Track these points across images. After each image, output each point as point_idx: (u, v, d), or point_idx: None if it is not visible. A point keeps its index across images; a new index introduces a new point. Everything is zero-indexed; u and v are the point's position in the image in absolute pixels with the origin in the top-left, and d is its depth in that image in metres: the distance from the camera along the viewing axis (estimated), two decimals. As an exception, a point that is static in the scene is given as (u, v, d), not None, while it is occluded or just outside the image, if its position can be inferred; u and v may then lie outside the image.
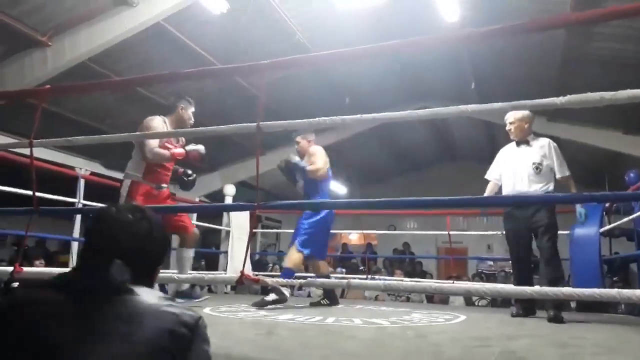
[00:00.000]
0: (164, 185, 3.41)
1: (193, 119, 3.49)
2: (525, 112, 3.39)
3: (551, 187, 3.34)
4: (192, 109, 3.51)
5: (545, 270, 3.24)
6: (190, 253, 3.50)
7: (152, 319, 0.86)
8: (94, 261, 0.94)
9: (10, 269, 2.27)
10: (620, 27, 4.63)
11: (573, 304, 5.00)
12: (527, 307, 3.45)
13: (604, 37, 4.96)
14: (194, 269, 6.99)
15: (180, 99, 3.47)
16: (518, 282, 3.40)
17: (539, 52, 5.59)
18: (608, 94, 1.56)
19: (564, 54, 5.37)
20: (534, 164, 3.36)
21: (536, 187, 3.32)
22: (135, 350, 0.81)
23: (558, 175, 3.36)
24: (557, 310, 3.15)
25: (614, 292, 1.54)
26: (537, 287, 1.74)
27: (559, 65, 5.59)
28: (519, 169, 3.42)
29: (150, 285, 0.98)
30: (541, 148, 3.42)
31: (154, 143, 3.19)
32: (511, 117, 3.45)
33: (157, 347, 0.83)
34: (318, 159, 3.78)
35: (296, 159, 3.85)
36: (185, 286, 3.45)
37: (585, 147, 7.09)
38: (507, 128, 3.51)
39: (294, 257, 3.70)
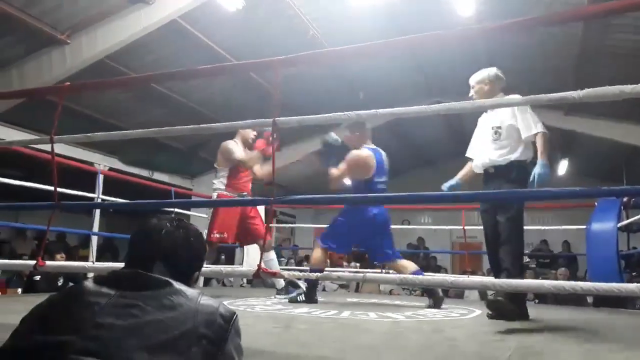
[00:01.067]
0: (245, 192, 3.91)
1: (254, 134, 3.98)
2: (485, 73, 2.95)
3: (517, 154, 2.77)
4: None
5: (499, 255, 2.74)
6: (271, 255, 3.91)
7: (192, 310, 0.94)
8: (138, 262, 1.05)
9: (33, 262, 2.32)
10: (638, 18, 4.55)
11: (590, 299, 4.96)
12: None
13: (622, 29, 4.88)
14: (212, 262, 7.11)
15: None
16: (491, 269, 2.97)
17: (556, 45, 5.52)
18: (628, 87, 1.54)
19: (582, 47, 5.29)
20: (492, 128, 2.85)
21: (495, 156, 2.82)
22: (179, 337, 0.89)
23: (523, 136, 2.74)
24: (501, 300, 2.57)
25: (633, 286, 1.54)
26: (554, 282, 1.73)
27: (577, 59, 5.51)
28: (482, 137, 2.97)
29: (189, 286, 1.06)
30: (505, 109, 2.84)
31: (238, 152, 3.81)
32: (472, 80, 3.01)
33: (198, 335, 0.91)
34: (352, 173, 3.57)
35: (333, 136, 3.59)
36: (281, 284, 3.94)
37: (603, 141, 6.99)
38: (469, 94, 3.02)
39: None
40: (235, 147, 3.84)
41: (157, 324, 0.89)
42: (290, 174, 9.45)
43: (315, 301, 3.54)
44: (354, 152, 3.48)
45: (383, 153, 3.69)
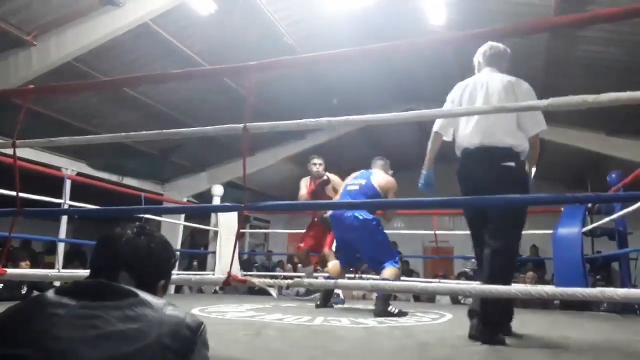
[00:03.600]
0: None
1: (316, 168, 4.69)
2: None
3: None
4: (314, 161, 4.74)
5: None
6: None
7: (157, 321, 0.91)
8: (102, 272, 1.03)
9: (-6, 270, 2.24)
10: (603, 30, 4.71)
11: (557, 302, 5.09)
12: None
13: (588, 41, 5.04)
14: (184, 269, 7.00)
15: (309, 160, 4.82)
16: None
17: (523, 55, 5.66)
18: (590, 97, 1.59)
19: (549, 57, 5.45)
20: None
21: None
22: (141, 349, 0.86)
23: None
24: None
25: (596, 291, 1.58)
26: (521, 286, 1.76)
27: (544, 68, 5.67)
28: None
29: (155, 294, 1.04)
30: None
31: (301, 192, 4.70)
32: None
33: (163, 347, 0.89)
34: (391, 193, 3.77)
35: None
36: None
37: (568, 148, 7.19)
38: None
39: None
40: (302, 185, 4.74)
41: (119, 336, 0.86)
42: (264, 179, 9.41)
43: (330, 306, 4.04)
44: (392, 179, 3.93)
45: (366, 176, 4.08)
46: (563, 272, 4.32)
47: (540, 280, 6.39)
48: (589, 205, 4.59)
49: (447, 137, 2.60)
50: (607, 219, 4.52)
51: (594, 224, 4.79)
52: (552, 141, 6.97)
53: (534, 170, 2.55)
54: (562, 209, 4.68)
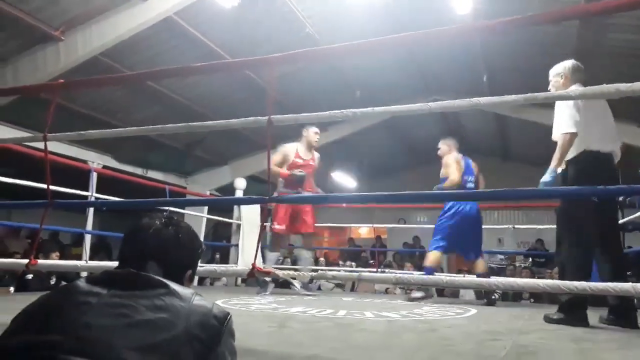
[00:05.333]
0: (299, 190, 4.27)
1: (317, 138, 4.50)
2: (561, 65, 2.89)
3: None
4: (313, 130, 4.48)
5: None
6: (305, 254, 4.47)
7: (185, 311, 0.92)
8: (130, 262, 1.04)
9: (25, 261, 2.30)
10: (635, 18, 4.55)
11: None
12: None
13: (619, 29, 4.88)
14: (207, 261, 7.08)
15: (304, 127, 4.50)
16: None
17: (552, 44, 5.52)
18: (624, 86, 1.53)
19: (578, 46, 5.29)
20: None
21: None
22: (170, 339, 0.87)
23: (553, 134, 2.69)
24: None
25: (628, 286, 1.53)
26: (549, 281, 1.72)
27: (573, 57, 5.50)
28: None
29: (182, 284, 1.05)
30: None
31: (273, 161, 4.19)
32: (550, 73, 2.97)
33: (191, 337, 0.89)
34: (452, 172, 4.00)
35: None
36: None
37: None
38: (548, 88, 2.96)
39: (430, 256, 4.01)
40: (274, 156, 4.30)
41: (148, 325, 0.87)
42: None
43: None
44: (450, 157, 4.10)
45: (469, 159, 4.23)
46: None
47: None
48: (620, 199, 4.45)
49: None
50: (639, 214, 4.39)
51: (625, 218, 4.65)
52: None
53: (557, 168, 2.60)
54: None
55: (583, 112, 2.57)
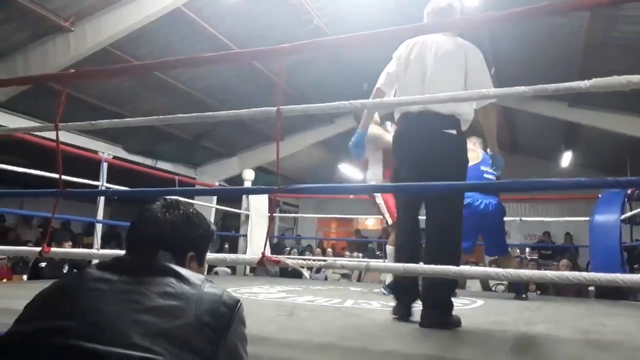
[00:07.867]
0: None
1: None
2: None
3: None
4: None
5: None
6: (388, 249, 3.63)
7: (195, 298, 0.93)
8: (141, 247, 1.06)
9: (39, 249, 2.33)
10: (646, 9, 4.50)
11: (592, 291, 4.97)
12: None
13: (629, 20, 4.83)
14: (215, 251, 7.05)
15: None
16: None
17: (562, 36, 5.47)
18: (635, 77, 1.53)
19: (588, 38, 5.24)
20: None
21: None
22: (181, 326, 0.88)
23: None
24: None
25: (637, 277, 1.54)
26: (557, 272, 1.73)
27: (583, 50, 5.46)
28: None
29: (184, 266, 1.05)
30: None
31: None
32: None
33: (201, 323, 0.90)
34: None
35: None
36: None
37: (607, 133, 6.94)
38: None
39: None
40: (385, 135, 3.90)
41: (159, 311, 0.88)
42: (293, 164, 9.45)
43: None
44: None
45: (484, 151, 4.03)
46: (599, 261, 4.21)
47: (575, 268, 6.25)
48: (629, 191, 4.44)
49: (389, 96, 2.48)
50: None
51: (634, 211, 4.63)
52: (590, 126, 6.74)
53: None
54: (599, 195, 4.54)
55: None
